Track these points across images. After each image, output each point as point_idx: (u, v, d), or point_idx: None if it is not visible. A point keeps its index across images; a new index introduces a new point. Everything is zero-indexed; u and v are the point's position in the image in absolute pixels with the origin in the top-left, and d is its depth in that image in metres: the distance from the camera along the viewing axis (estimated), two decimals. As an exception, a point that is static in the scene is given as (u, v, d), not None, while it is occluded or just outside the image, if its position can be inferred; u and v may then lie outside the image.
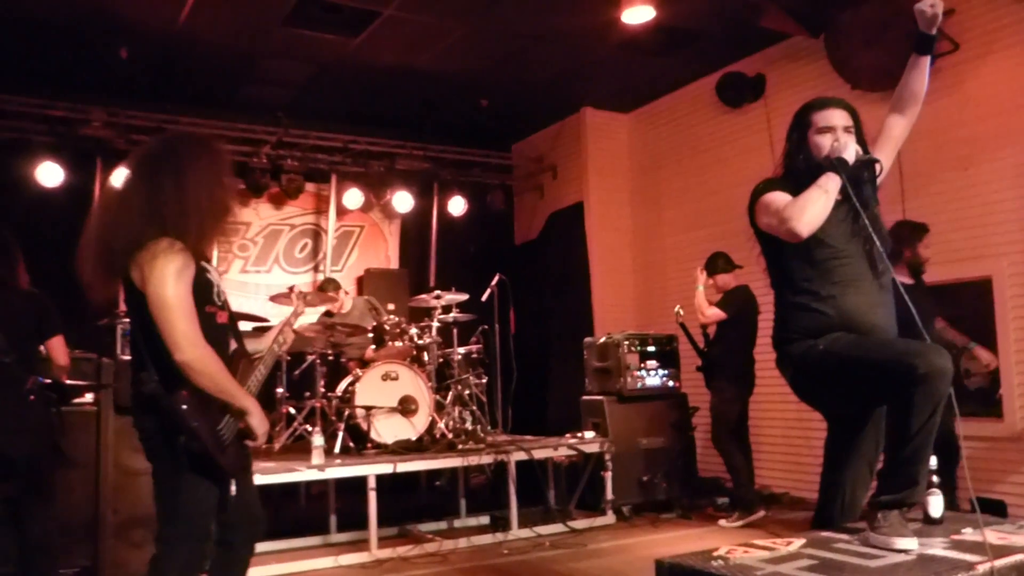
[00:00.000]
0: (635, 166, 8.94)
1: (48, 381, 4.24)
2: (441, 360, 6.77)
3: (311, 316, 6.99)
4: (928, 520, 3.01)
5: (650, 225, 8.70)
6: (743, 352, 6.15)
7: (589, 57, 7.42)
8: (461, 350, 6.77)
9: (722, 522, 6.03)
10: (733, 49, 7.35)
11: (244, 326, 6.65)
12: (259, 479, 5.20)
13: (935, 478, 2.96)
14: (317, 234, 8.81)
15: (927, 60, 3.06)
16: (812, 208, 2.85)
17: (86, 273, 2.67)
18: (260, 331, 6.79)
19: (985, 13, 5.79)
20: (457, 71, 7.61)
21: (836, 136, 2.98)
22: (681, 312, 6.53)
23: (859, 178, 2.95)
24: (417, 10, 6.37)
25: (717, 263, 6.35)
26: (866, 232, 2.93)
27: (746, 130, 7.47)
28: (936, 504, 3.01)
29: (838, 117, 3.03)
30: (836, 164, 2.88)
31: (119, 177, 2.70)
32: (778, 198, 2.97)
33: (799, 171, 3.03)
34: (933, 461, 2.88)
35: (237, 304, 7.99)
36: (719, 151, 7.80)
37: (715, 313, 6.20)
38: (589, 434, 6.55)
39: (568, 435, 6.62)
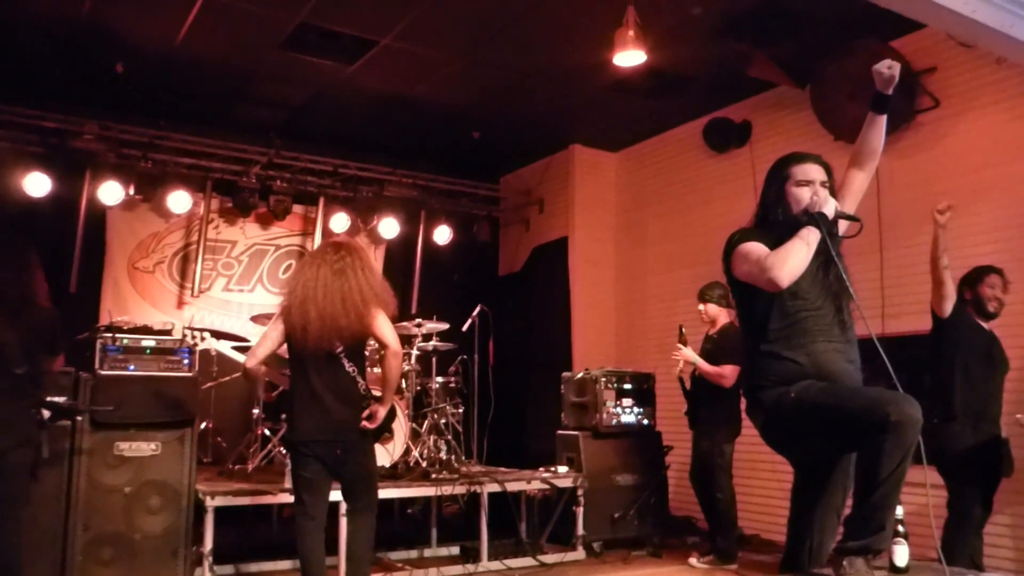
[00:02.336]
0: (621, 204, 9.04)
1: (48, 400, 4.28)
2: (419, 388, 6.78)
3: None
4: (893, 569, 3.05)
5: (633, 263, 8.79)
6: (734, 393, 5.93)
7: (580, 96, 7.54)
8: (439, 379, 6.78)
9: (692, 560, 6.03)
10: (721, 95, 7.49)
11: (224, 345, 6.65)
12: (232, 500, 5.22)
13: (901, 527, 3.01)
14: (302, 256, 8.81)
15: (883, 118, 3.16)
16: (794, 259, 2.91)
17: (344, 320, 4.05)
18: (241, 351, 6.78)
19: (965, 72, 5.94)
20: (450, 103, 7.70)
21: (815, 190, 3.06)
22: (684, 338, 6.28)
23: (831, 232, 3.03)
24: (414, 41, 6.46)
25: (715, 293, 6.16)
26: (837, 285, 3.01)
27: (731, 175, 7.59)
28: (901, 553, 3.05)
29: (815, 171, 3.11)
30: (817, 218, 2.95)
31: (352, 267, 4.15)
32: (757, 248, 3.03)
33: (777, 223, 3.10)
34: (900, 510, 2.93)
35: (219, 323, 8.09)
36: (704, 194, 7.91)
37: (732, 370, 5.92)
38: (563, 468, 6.56)
39: (542, 469, 6.63)
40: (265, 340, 4.20)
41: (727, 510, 6.02)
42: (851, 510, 2.92)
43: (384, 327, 4.13)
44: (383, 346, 4.15)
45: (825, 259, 3.01)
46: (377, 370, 6.47)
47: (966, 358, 4.67)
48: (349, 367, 4.12)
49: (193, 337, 5.43)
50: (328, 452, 4.09)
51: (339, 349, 4.08)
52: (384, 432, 4.46)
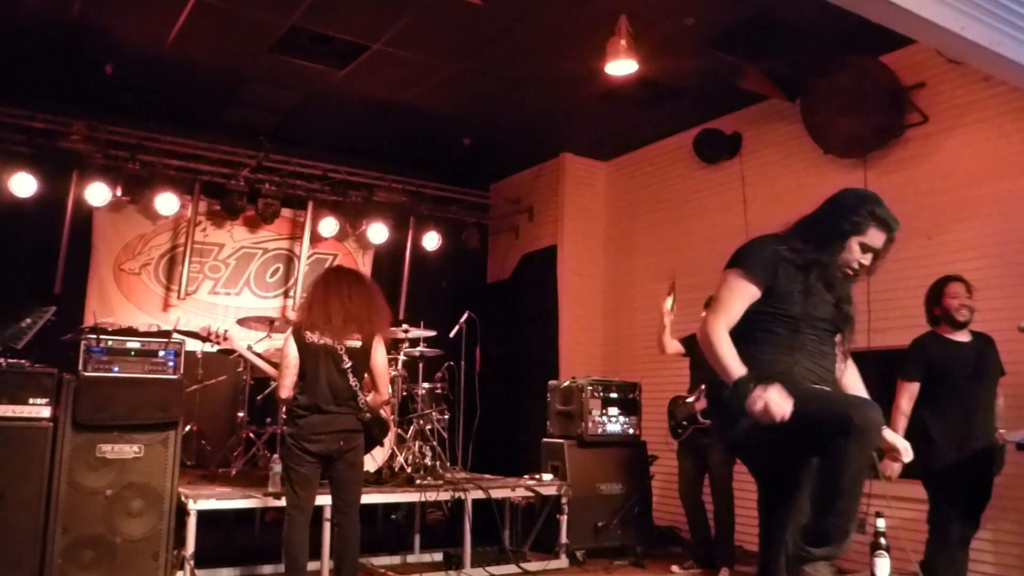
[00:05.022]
0: (610, 214, 9.05)
1: None
2: (405, 394, 6.76)
3: (276, 341, 6.96)
4: (875, 582, 3.05)
5: (621, 273, 8.80)
6: None
7: (571, 104, 7.55)
8: (426, 385, 6.77)
9: (675, 568, 6.04)
10: (712, 106, 7.51)
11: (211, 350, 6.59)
12: (215, 504, 5.19)
13: (883, 540, 3.01)
14: (290, 260, 8.80)
15: None
16: (714, 361, 2.92)
17: (365, 322, 4.59)
18: (226, 353, 6.73)
19: (954, 88, 5.98)
20: (441, 109, 7.70)
21: (868, 265, 3.03)
22: None
23: (830, 264, 3.03)
24: (406, 47, 6.46)
25: None
26: (839, 314, 3.04)
27: (721, 186, 7.61)
28: (883, 566, 3.06)
29: (882, 243, 3.04)
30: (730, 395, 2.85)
31: (358, 282, 4.73)
32: (736, 293, 2.99)
33: (817, 244, 3.02)
34: (882, 524, 2.93)
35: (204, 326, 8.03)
36: (693, 205, 7.92)
37: None
38: (548, 476, 6.55)
39: (527, 476, 6.63)
40: (287, 369, 4.55)
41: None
42: (812, 515, 2.90)
43: (382, 355, 4.73)
44: (373, 371, 4.69)
45: (827, 277, 3.01)
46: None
47: (947, 374, 4.67)
48: (352, 381, 4.55)
49: (216, 337, 5.69)
50: (331, 443, 4.47)
51: (346, 365, 4.53)
52: (376, 443, 4.90)
